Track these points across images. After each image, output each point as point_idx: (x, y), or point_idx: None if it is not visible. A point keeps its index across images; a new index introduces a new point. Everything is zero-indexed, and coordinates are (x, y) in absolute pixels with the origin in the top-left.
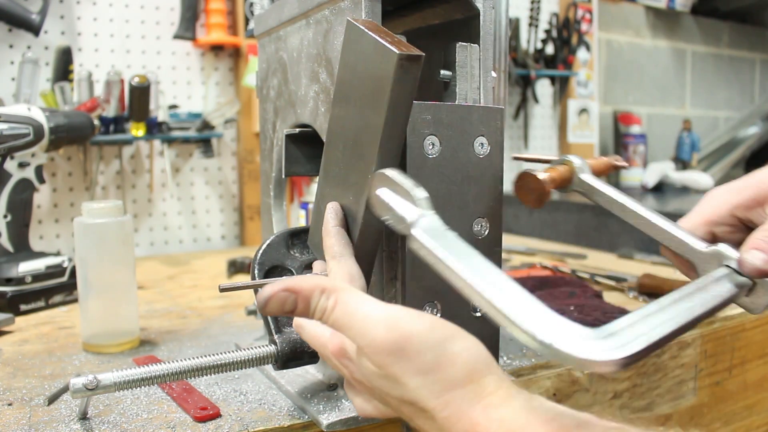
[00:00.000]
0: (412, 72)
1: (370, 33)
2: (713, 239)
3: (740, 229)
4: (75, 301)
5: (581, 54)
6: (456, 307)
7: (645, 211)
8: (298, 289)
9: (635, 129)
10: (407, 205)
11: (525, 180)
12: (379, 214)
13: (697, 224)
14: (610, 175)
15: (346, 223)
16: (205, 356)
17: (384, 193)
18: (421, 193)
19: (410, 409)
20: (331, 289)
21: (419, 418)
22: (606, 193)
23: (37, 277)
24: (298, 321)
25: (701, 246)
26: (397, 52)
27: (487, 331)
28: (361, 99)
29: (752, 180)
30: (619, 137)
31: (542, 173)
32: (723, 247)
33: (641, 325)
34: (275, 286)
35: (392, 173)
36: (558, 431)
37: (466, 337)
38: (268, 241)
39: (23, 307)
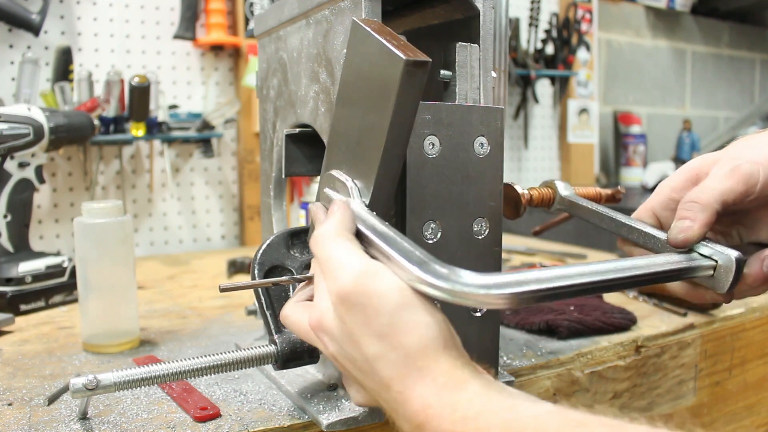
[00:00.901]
0: (418, 77)
1: (377, 35)
2: (660, 225)
3: None
4: (75, 301)
5: (581, 54)
6: (456, 306)
7: (618, 216)
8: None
9: (635, 129)
10: (341, 197)
11: (504, 190)
12: (325, 205)
13: (642, 213)
14: (611, 174)
15: None
16: (205, 356)
17: (328, 191)
18: (351, 184)
19: (377, 386)
20: (337, 205)
21: (386, 401)
22: (584, 206)
23: (37, 277)
24: (283, 311)
25: (664, 236)
26: (404, 57)
27: (487, 331)
28: (365, 101)
29: (688, 163)
30: (619, 137)
31: (522, 190)
32: None
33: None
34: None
35: (337, 173)
36: (515, 421)
37: (433, 312)
38: (268, 241)
39: (23, 307)
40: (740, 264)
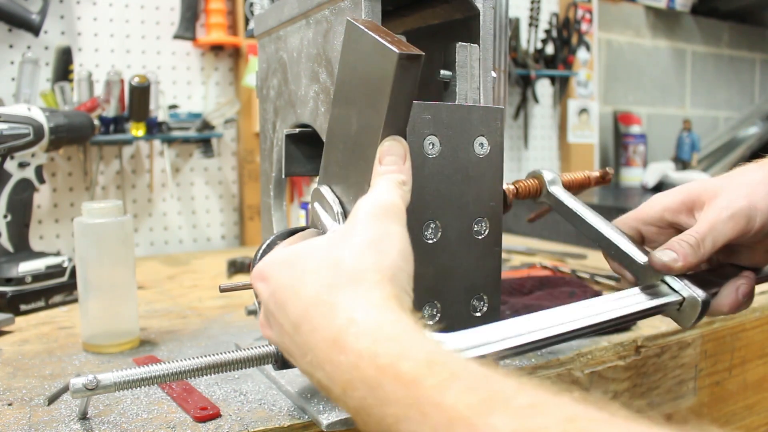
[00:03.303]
0: (412, 72)
1: (370, 33)
2: (641, 238)
3: (667, 232)
4: (75, 301)
5: (581, 54)
6: (456, 307)
7: (599, 224)
8: None
9: (635, 129)
10: (328, 217)
11: None
12: (314, 222)
13: (629, 221)
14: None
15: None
16: (205, 356)
17: (317, 207)
18: (338, 208)
19: (299, 310)
20: None
21: (308, 320)
22: (568, 206)
23: (37, 277)
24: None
25: (642, 259)
26: (397, 51)
27: None
28: (361, 99)
29: (687, 186)
30: (619, 137)
31: (507, 184)
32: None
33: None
34: None
35: (325, 190)
36: (437, 353)
37: (402, 250)
38: (268, 241)
39: (23, 307)
40: (706, 305)
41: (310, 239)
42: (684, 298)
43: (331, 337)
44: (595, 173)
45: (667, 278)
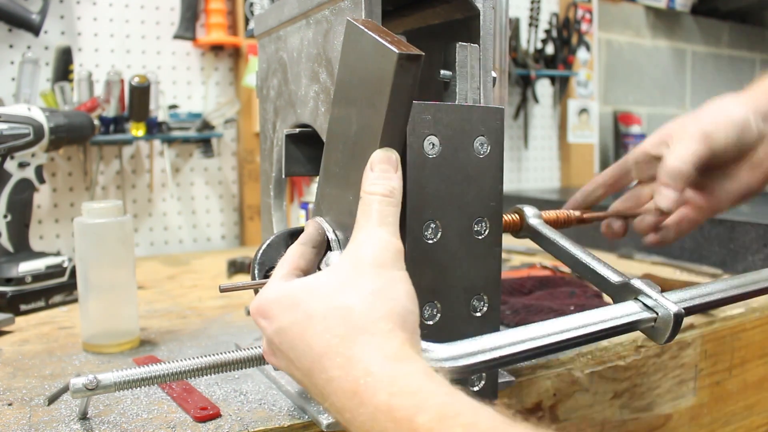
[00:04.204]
0: (411, 71)
1: (370, 33)
2: (627, 177)
3: (653, 164)
4: (75, 301)
5: (581, 54)
6: (456, 307)
7: (576, 252)
8: None
9: (635, 129)
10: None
11: None
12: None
13: (622, 164)
14: None
15: (344, 224)
16: (205, 356)
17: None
18: (333, 236)
19: (314, 354)
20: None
21: (323, 369)
22: (547, 237)
23: (37, 277)
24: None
25: (615, 279)
26: (397, 51)
27: (487, 332)
28: (360, 99)
29: (664, 126)
30: (619, 137)
31: None
32: (633, 281)
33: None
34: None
35: (321, 222)
36: (452, 405)
37: (405, 292)
38: (268, 241)
39: (23, 307)
40: (678, 319)
41: (310, 279)
42: (657, 314)
43: (349, 389)
44: (577, 213)
45: (641, 297)
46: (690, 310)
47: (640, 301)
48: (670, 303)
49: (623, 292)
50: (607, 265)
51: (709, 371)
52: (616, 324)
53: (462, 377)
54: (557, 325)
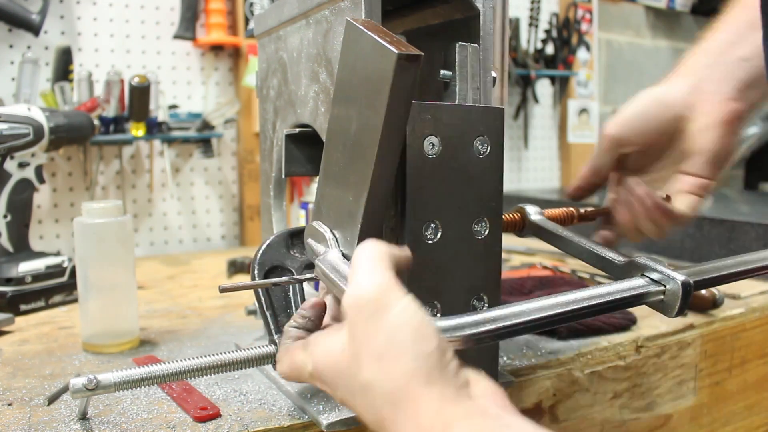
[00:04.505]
0: (411, 71)
1: (369, 33)
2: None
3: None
4: (75, 301)
5: (581, 54)
6: (456, 307)
7: (579, 240)
8: None
9: None
10: (322, 247)
11: None
12: (310, 257)
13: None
14: None
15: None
16: (205, 356)
17: (311, 241)
18: (330, 235)
19: (376, 418)
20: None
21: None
22: (551, 231)
23: (37, 277)
24: (279, 355)
25: (620, 259)
26: (397, 51)
27: None
28: (360, 99)
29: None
30: None
31: None
32: (638, 258)
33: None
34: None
35: (318, 224)
36: None
37: (425, 336)
38: (268, 241)
39: (23, 307)
40: (687, 289)
41: (323, 353)
42: (665, 287)
43: None
44: (580, 211)
45: (647, 272)
46: (699, 284)
47: (647, 276)
48: (678, 274)
49: (629, 269)
50: (611, 249)
51: (709, 371)
52: (623, 296)
53: (468, 347)
54: (564, 298)
